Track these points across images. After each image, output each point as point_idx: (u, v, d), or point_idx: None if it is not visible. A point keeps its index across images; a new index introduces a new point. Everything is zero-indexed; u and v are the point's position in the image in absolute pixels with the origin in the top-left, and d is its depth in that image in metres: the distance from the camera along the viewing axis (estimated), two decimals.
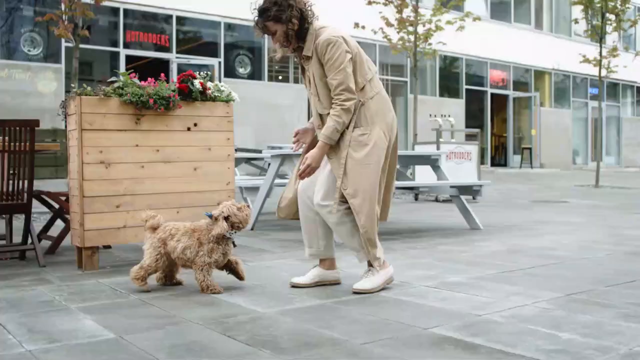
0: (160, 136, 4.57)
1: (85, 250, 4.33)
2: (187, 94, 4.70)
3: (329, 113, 3.54)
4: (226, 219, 3.60)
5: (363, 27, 13.65)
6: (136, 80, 4.57)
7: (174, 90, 4.62)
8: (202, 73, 4.86)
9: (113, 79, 4.56)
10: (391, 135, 3.67)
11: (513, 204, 10.57)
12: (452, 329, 2.81)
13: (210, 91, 4.81)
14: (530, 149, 23.68)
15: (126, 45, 15.11)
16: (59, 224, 5.46)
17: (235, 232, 3.65)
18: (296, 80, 18.15)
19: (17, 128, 4.47)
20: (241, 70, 17.01)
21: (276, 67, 17.94)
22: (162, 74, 4.78)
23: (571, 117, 26.16)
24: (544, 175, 20.01)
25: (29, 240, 4.77)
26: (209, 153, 4.80)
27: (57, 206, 5.31)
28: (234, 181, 4.95)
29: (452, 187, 6.86)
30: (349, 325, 2.89)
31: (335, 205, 3.54)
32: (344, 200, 3.58)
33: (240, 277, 3.74)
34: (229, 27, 16.74)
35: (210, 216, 3.64)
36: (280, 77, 18.06)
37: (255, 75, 17.21)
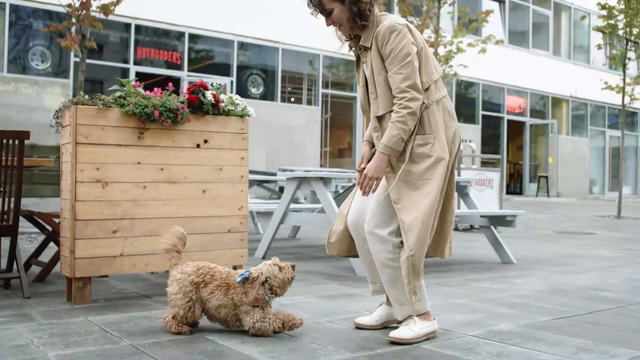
0: (165, 153, 4.05)
1: (76, 281, 3.78)
2: (198, 107, 4.18)
3: (390, 112, 3.00)
4: (265, 281, 3.07)
5: None
6: (141, 89, 4.07)
7: (182, 102, 4.10)
8: (214, 84, 4.35)
9: (114, 87, 4.05)
10: (453, 149, 3.12)
11: (537, 234, 9.99)
12: None
13: (223, 104, 4.30)
14: (547, 177, 23.09)
15: (137, 62, 14.71)
16: (53, 247, 4.92)
17: (273, 297, 3.11)
18: (309, 102, 17.71)
19: (5, 140, 3.96)
20: (253, 90, 16.56)
21: (289, 89, 17.52)
22: (170, 83, 4.27)
23: (588, 146, 25.57)
24: (562, 205, 19.41)
25: (15, 267, 4.23)
26: (220, 174, 4.26)
27: (50, 228, 4.77)
28: (247, 206, 4.41)
29: (482, 216, 6.29)
30: None
31: (394, 236, 3.00)
32: (402, 241, 3.03)
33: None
34: (242, 46, 16.34)
35: (246, 279, 3.08)
36: (292, 99, 17.61)
37: (267, 95, 16.77)
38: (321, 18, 3.17)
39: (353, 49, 3.25)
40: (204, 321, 3.36)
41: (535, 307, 3.94)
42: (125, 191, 3.90)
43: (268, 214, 6.90)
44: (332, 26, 3.16)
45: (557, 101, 24.50)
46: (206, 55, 16.25)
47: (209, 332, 3.13)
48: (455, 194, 6.69)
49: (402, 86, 2.93)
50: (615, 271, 5.74)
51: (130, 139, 3.93)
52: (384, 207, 3.04)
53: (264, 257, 6.13)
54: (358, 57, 3.23)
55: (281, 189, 11.37)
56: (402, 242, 3.02)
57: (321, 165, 17.57)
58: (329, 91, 18.06)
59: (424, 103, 3.02)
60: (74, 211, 3.73)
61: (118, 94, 3.98)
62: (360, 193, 3.10)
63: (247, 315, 3.05)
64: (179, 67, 15.26)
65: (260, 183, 9.43)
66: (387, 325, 3.27)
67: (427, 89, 3.04)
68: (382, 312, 3.28)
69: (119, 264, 3.89)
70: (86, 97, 3.87)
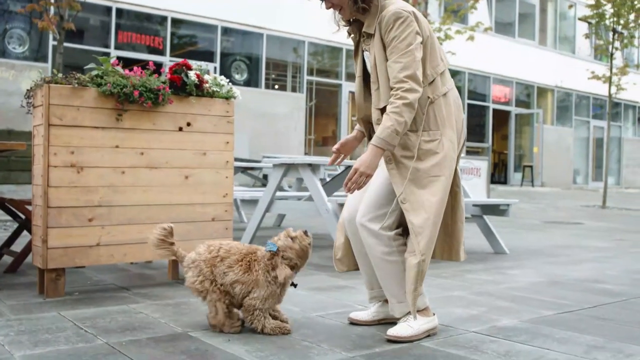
0: (145, 136, 3.80)
1: (49, 273, 3.52)
2: (180, 88, 3.93)
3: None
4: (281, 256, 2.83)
5: None
6: (119, 68, 3.80)
7: (164, 82, 3.85)
8: (198, 64, 4.09)
9: (91, 65, 3.78)
10: (459, 143, 2.91)
11: (525, 224, 9.86)
12: None
13: (207, 85, 4.04)
14: (531, 166, 23.02)
15: (118, 47, 14.32)
16: (27, 236, 4.65)
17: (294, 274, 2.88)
18: (294, 89, 17.44)
19: None
20: (237, 76, 16.25)
21: (273, 75, 17.24)
22: (151, 62, 4.01)
23: (572, 136, 25.54)
24: (546, 194, 19.36)
25: None
26: (203, 159, 4.02)
27: (23, 216, 4.50)
28: (232, 193, 4.17)
29: (475, 205, 6.10)
30: None
31: (388, 230, 2.79)
32: (399, 233, 2.82)
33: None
34: (226, 31, 16.00)
35: (276, 251, 2.83)
36: (276, 86, 17.33)
37: (251, 82, 16.46)
38: (312, 2, 2.92)
39: (352, 35, 3.01)
40: (189, 317, 3.13)
41: (536, 301, 3.75)
42: (102, 177, 3.64)
43: (253, 202, 6.66)
44: (331, 9, 2.91)
45: (542, 91, 24.42)
46: (189, 41, 15.90)
47: (192, 329, 2.90)
48: None
49: (399, 76, 2.70)
50: (610, 262, 5.58)
51: (108, 120, 3.67)
52: (380, 201, 2.82)
53: None
54: (357, 45, 2.98)
55: (265, 177, 11.13)
56: (397, 235, 2.81)
57: (305, 153, 17.33)
58: (314, 78, 17.79)
59: (429, 97, 2.80)
60: (46, 198, 3.47)
61: (95, 72, 3.71)
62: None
63: (245, 317, 2.83)
64: (161, 53, 14.90)
65: (244, 170, 9.18)
66: (384, 322, 3.06)
67: (432, 82, 2.82)
68: (379, 308, 3.07)
69: (95, 255, 3.64)
70: (60, 75, 3.60)
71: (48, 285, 3.53)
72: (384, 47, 2.78)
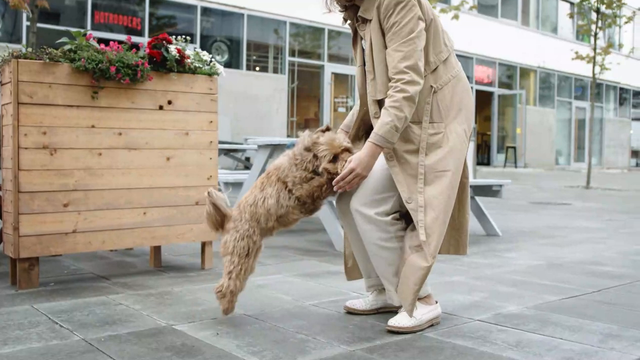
0: (123, 115, 3.55)
1: (21, 263, 3.28)
2: (160, 63, 3.68)
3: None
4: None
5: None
6: (94, 42, 3.54)
7: (142, 57, 3.60)
8: (179, 38, 3.84)
9: (63, 39, 3.51)
10: (468, 132, 2.69)
11: (512, 205, 9.73)
12: None
13: (189, 60, 3.80)
14: (514, 148, 22.99)
15: (95, 28, 13.92)
16: None
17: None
18: (275, 71, 17.15)
19: None
20: (218, 58, 15.90)
21: (254, 57, 16.92)
22: (129, 37, 3.75)
23: (555, 117, 25.54)
24: (530, 175, 19.34)
25: None
26: (186, 139, 3.78)
27: None
28: (216, 175, 3.94)
29: None
30: None
31: (384, 215, 2.60)
32: (397, 217, 2.62)
33: None
34: (205, 11, 15.65)
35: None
36: (258, 68, 17.02)
37: (232, 64, 16.13)
38: None
39: (349, 22, 2.77)
40: (172, 308, 2.92)
41: (537, 285, 3.59)
42: (78, 159, 3.40)
43: (237, 185, 6.44)
44: None
45: (525, 71, 24.35)
46: (168, 22, 15.54)
47: (177, 322, 2.69)
48: None
49: (400, 66, 2.48)
50: (605, 243, 5.45)
51: (83, 99, 3.42)
52: (376, 187, 2.62)
53: None
54: (355, 32, 2.75)
55: (248, 159, 10.89)
56: (394, 219, 2.61)
57: (288, 136, 17.08)
58: (296, 59, 17.50)
59: (432, 87, 2.58)
60: (17, 182, 3.22)
61: (67, 47, 3.45)
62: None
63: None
64: (139, 34, 14.52)
65: (227, 152, 8.94)
66: (382, 310, 2.86)
67: (434, 70, 2.60)
68: (377, 296, 2.87)
69: (71, 242, 3.40)
70: (29, 49, 3.34)
71: (20, 275, 3.28)
72: (383, 34, 2.56)
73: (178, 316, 2.77)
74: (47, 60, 3.32)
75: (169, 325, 2.62)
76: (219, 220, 2.73)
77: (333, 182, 2.58)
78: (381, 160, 2.61)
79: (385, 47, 2.55)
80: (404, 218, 2.67)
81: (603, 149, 28.57)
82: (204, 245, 3.93)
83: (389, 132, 2.47)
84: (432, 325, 2.66)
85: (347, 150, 2.61)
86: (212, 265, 3.94)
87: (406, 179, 2.55)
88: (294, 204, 2.65)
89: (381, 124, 2.49)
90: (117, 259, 4.21)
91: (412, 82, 2.46)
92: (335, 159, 2.59)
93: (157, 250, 3.97)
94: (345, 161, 2.56)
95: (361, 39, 2.72)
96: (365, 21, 2.62)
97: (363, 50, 2.72)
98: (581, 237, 5.88)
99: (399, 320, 2.58)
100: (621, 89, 29.24)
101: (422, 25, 2.52)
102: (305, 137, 2.66)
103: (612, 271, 4.08)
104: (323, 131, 2.69)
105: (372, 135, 2.52)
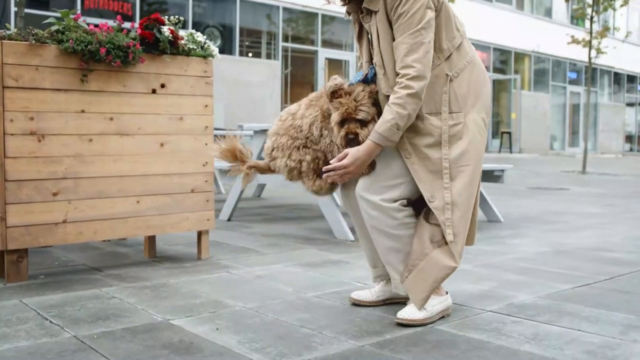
0: (115, 100, 3.39)
1: (9, 255, 3.13)
2: (153, 45, 3.51)
3: None
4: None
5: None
6: (83, 23, 3.37)
7: (134, 39, 3.43)
8: (172, 18, 3.67)
9: (50, 20, 3.34)
10: (487, 118, 2.56)
11: (511, 190, 9.62)
12: None
13: (183, 42, 3.64)
14: (509, 133, 22.89)
15: (85, 13, 13.66)
16: None
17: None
18: (268, 56, 16.94)
19: None
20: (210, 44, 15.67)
21: (247, 43, 16.70)
22: (119, 17, 3.58)
23: (550, 102, 25.43)
24: (525, 160, 19.26)
25: None
26: (180, 124, 3.63)
27: None
28: (213, 162, 3.79)
29: None
30: None
31: (390, 202, 2.46)
32: (404, 204, 2.49)
33: None
34: None
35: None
36: (250, 54, 16.80)
37: (225, 49, 15.91)
38: None
39: (351, 16, 2.60)
40: (169, 302, 2.78)
41: (547, 273, 3.46)
42: (67, 145, 3.24)
43: None
44: None
45: (519, 56, 24.20)
46: (160, 8, 15.28)
47: (173, 316, 2.55)
48: None
49: (406, 60, 2.32)
50: (608, 229, 5.34)
51: (72, 82, 3.25)
52: (384, 173, 2.48)
53: (229, 220, 5.54)
54: (360, 26, 2.58)
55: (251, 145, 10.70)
56: (401, 205, 2.47)
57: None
58: (290, 45, 17.29)
59: (447, 75, 2.43)
60: (3, 170, 3.06)
61: (55, 27, 3.28)
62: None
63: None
64: (130, 20, 14.28)
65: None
66: (389, 301, 2.73)
67: (448, 57, 2.45)
68: (384, 287, 2.74)
69: (61, 233, 3.24)
70: (14, 30, 3.17)
71: (9, 268, 3.13)
72: (391, 26, 2.40)
73: (175, 310, 2.63)
74: (34, 42, 3.15)
75: (166, 320, 2.49)
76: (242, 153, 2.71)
77: (323, 169, 2.46)
78: (388, 148, 2.47)
79: (394, 39, 2.40)
80: (412, 205, 2.53)
81: (597, 134, 28.51)
82: (200, 234, 3.79)
83: (390, 130, 2.34)
84: (443, 317, 2.53)
85: (355, 120, 2.46)
86: (208, 255, 3.80)
87: (427, 175, 2.42)
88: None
89: (382, 121, 2.36)
90: (110, 250, 4.06)
91: (418, 78, 2.32)
92: (343, 122, 2.45)
93: (151, 240, 3.83)
94: (346, 133, 2.43)
95: (368, 34, 2.55)
96: (371, 13, 2.46)
97: (369, 44, 2.57)
98: (584, 222, 5.77)
99: (409, 313, 2.44)
100: (615, 73, 29.13)
101: (430, 14, 2.36)
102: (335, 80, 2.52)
103: (621, 257, 3.96)
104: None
105: (372, 133, 2.39)
